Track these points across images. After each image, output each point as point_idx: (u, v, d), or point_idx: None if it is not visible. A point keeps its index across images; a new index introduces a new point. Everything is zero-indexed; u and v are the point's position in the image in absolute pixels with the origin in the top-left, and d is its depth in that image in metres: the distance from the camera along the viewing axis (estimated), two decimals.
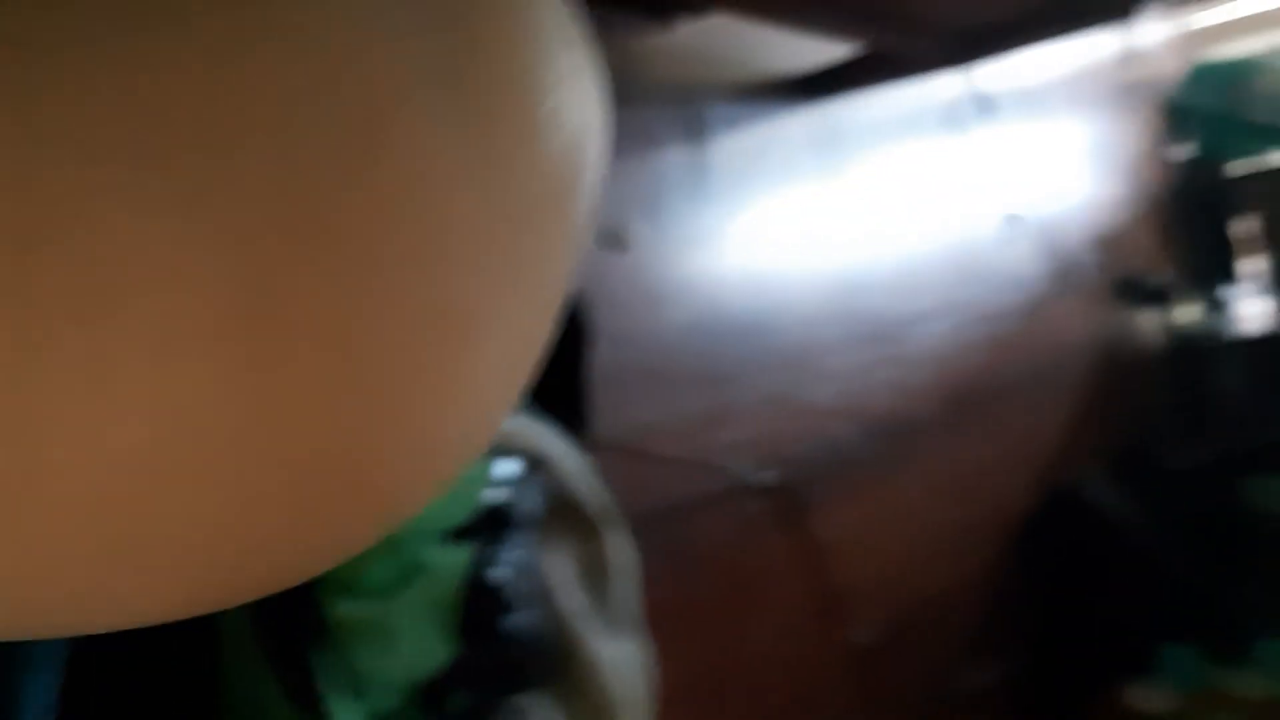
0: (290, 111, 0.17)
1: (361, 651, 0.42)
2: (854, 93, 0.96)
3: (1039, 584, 1.17)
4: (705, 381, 0.78)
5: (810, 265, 0.90)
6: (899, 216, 1.03)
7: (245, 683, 0.41)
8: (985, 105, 1.15)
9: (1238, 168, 1.73)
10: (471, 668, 0.47)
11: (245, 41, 0.17)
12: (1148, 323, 1.53)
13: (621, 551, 0.60)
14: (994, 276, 1.15)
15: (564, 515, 0.58)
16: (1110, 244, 1.43)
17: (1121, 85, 1.53)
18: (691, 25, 0.76)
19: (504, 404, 0.23)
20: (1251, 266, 1.73)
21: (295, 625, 0.40)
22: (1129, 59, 1.49)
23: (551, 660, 0.53)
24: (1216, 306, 1.66)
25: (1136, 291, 1.49)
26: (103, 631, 0.20)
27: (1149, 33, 1.55)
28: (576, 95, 0.22)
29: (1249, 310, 1.67)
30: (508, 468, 0.52)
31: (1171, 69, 1.67)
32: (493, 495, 0.50)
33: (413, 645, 0.44)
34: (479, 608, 0.47)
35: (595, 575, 0.59)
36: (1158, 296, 1.54)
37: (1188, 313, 1.60)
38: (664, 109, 0.78)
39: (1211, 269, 1.72)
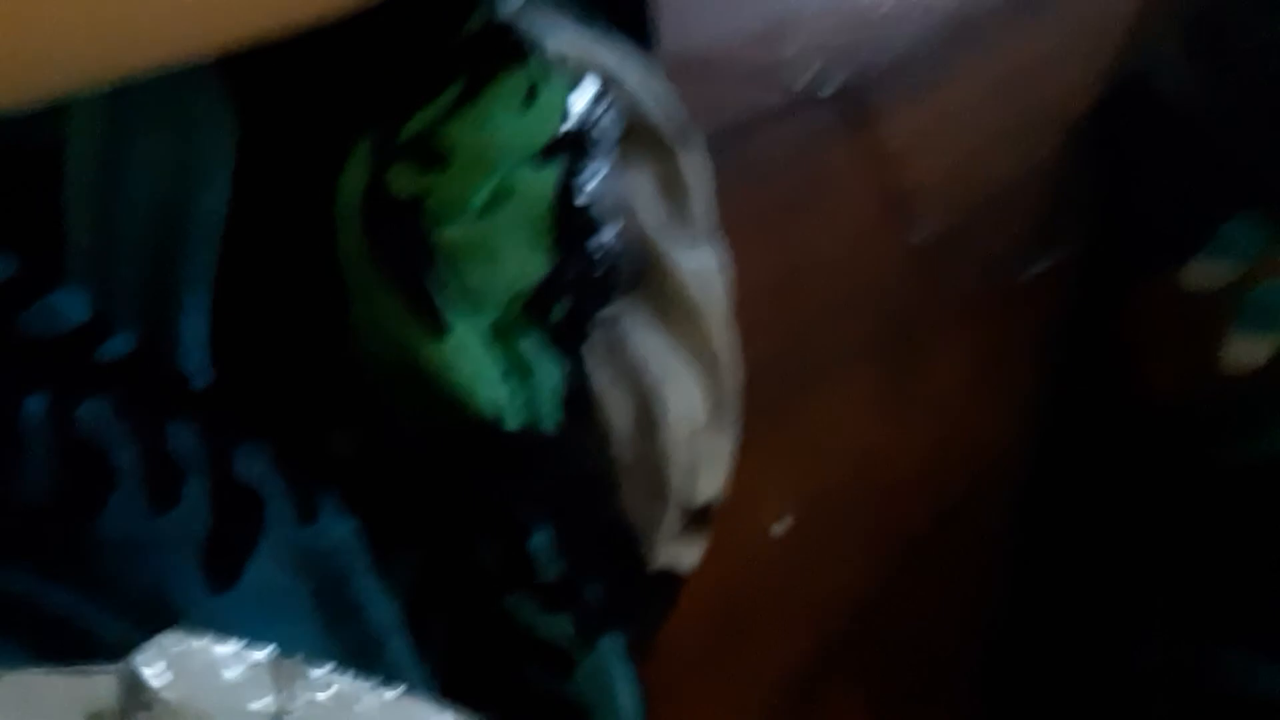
0: None
1: (468, 269, 0.47)
2: None
3: (1102, 174, 1.17)
4: None
5: None
6: None
7: (368, 304, 0.45)
8: None
9: None
10: (567, 279, 0.52)
11: None
12: None
13: (695, 168, 0.63)
14: None
15: (640, 136, 0.60)
16: None
17: None
18: None
19: None
20: None
21: (408, 248, 0.45)
22: None
23: (638, 270, 0.58)
24: None
25: None
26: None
27: None
28: None
29: None
30: (584, 91, 0.54)
31: None
32: (572, 118, 0.53)
33: (513, 260, 0.48)
34: (569, 224, 0.51)
35: (672, 191, 0.63)
36: None
37: None
38: None
39: None
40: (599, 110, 0.55)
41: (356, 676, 0.35)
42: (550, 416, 0.49)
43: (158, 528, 0.34)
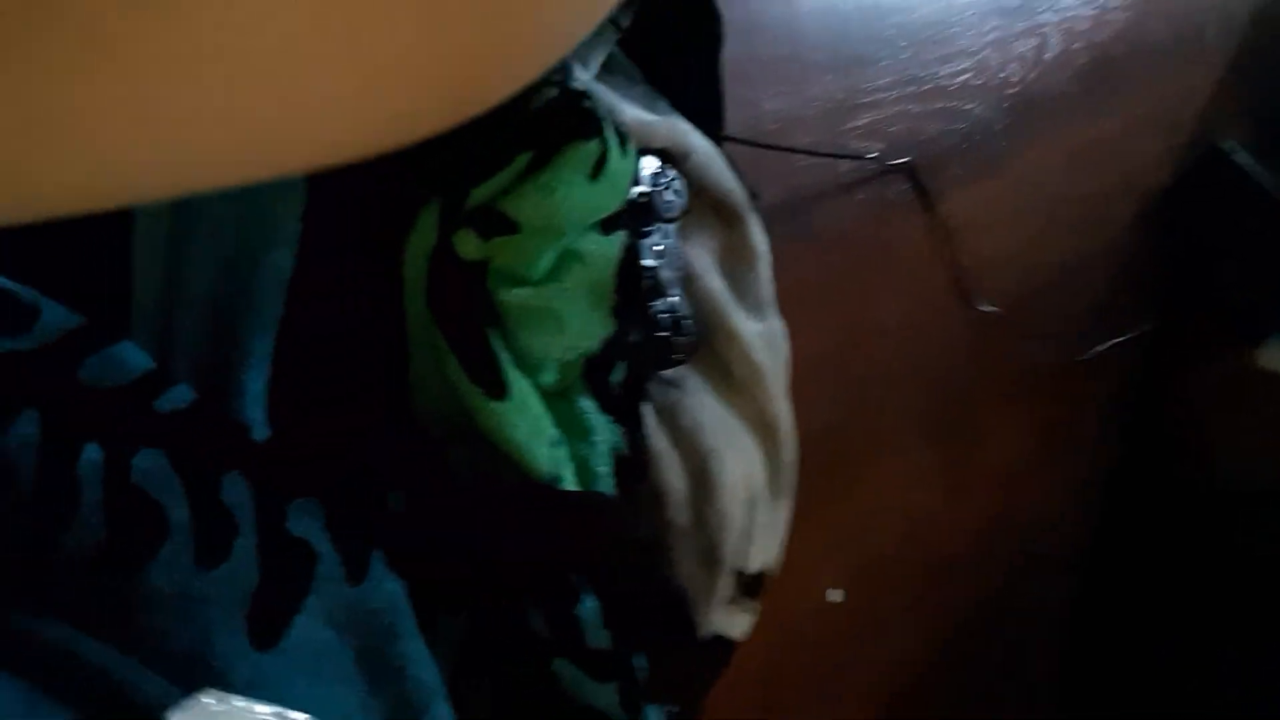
0: None
1: (530, 332, 0.47)
2: None
3: (1172, 253, 1.16)
4: (837, 68, 0.78)
5: None
6: None
7: (429, 363, 0.46)
8: None
9: None
10: (628, 343, 0.52)
11: None
12: None
13: (758, 238, 0.63)
14: None
15: (705, 205, 0.61)
16: None
17: None
18: None
19: None
20: None
21: (472, 309, 0.45)
22: None
23: (698, 336, 0.57)
24: None
25: None
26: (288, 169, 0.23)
27: None
28: None
29: None
30: (652, 162, 0.54)
31: None
32: (639, 188, 0.53)
33: (576, 324, 0.48)
34: (632, 289, 0.51)
35: (735, 261, 0.63)
36: None
37: None
38: None
39: None
40: (665, 180, 0.56)
41: None
42: (607, 478, 0.49)
43: (206, 582, 0.34)
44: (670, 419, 0.57)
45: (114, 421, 0.34)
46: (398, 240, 0.43)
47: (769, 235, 0.63)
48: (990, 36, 0.91)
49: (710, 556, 0.58)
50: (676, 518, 0.56)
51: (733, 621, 0.63)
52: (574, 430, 0.49)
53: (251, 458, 0.37)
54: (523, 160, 0.43)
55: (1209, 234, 1.18)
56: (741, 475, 0.59)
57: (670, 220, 0.56)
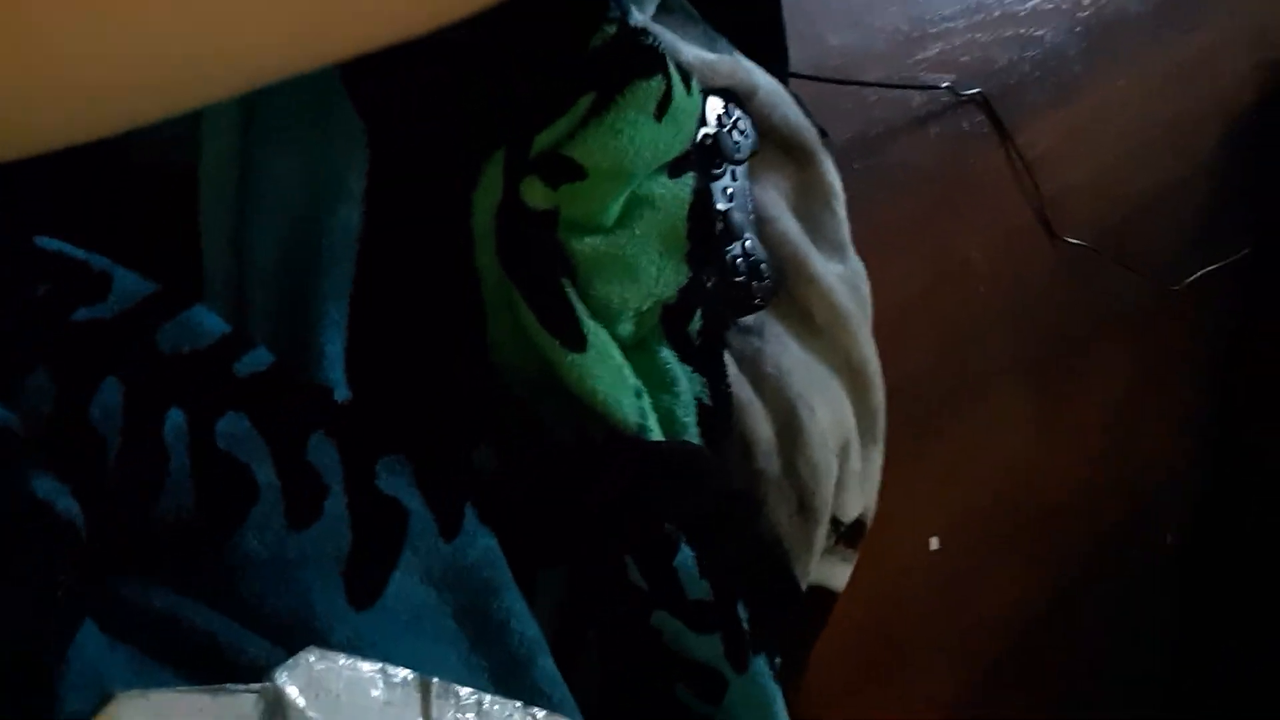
0: None
1: (605, 281, 0.46)
2: None
3: (1265, 174, 1.12)
4: None
5: None
6: None
7: (506, 319, 0.45)
8: None
9: None
10: (705, 290, 0.51)
11: None
12: None
13: (832, 177, 0.61)
14: None
15: (774, 145, 0.59)
16: None
17: None
18: None
19: None
20: None
21: (545, 261, 0.44)
22: None
23: (776, 281, 0.56)
24: None
25: None
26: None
27: None
28: None
29: None
30: (717, 102, 0.53)
31: None
32: (706, 129, 0.52)
33: (650, 271, 0.47)
34: (705, 235, 0.50)
35: (809, 201, 0.61)
36: None
37: None
38: None
39: None
40: (733, 119, 0.54)
41: (504, 696, 0.34)
42: (692, 429, 0.48)
43: (299, 543, 0.34)
44: (753, 367, 0.56)
45: (195, 387, 0.34)
46: (465, 194, 0.43)
47: (842, 174, 0.61)
48: None
49: (805, 506, 0.57)
50: (767, 467, 0.55)
51: (833, 572, 0.62)
52: (656, 381, 0.48)
53: (335, 418, 0.36)
54: (585, 102, 0.42)
55: None
56: (831, 422, 0.58)
57: (740, 161, 0.54)
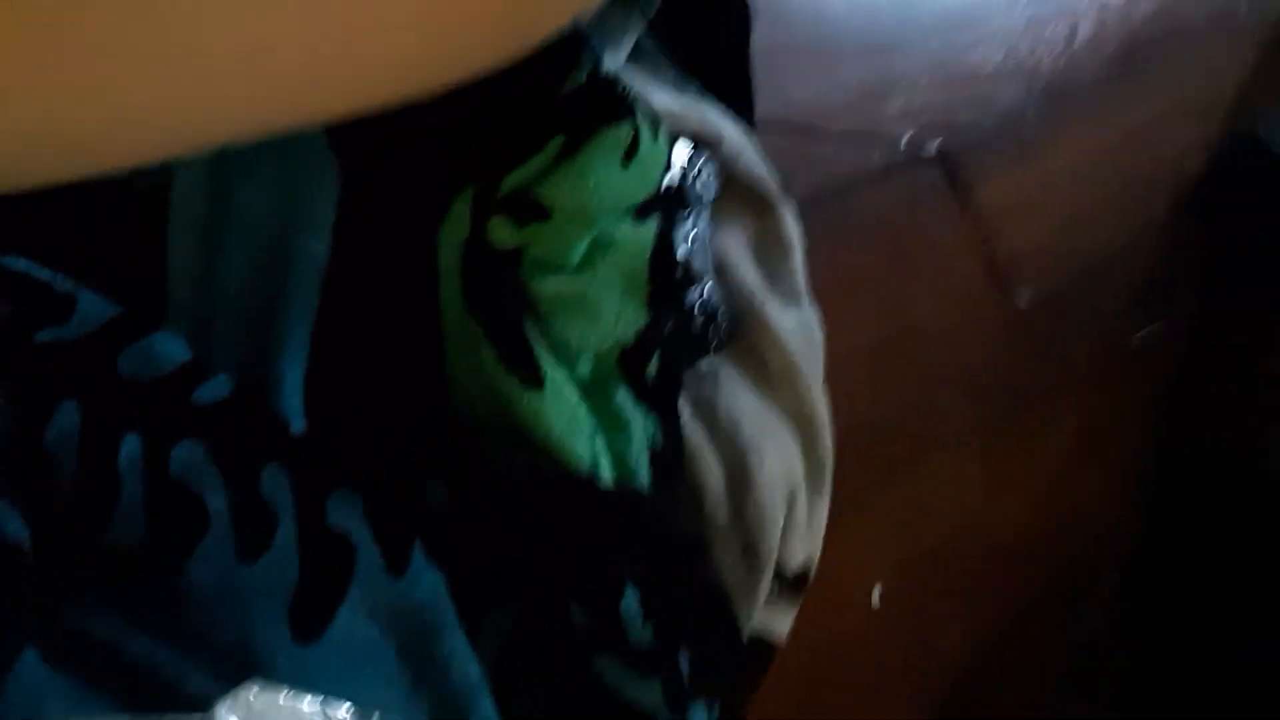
0: None
1: (565, 321, 0.46)
2: None
3: (1212, 238, 1.14)
4: (868, 52, 0.77)
5: None
6: None
7: (465, 355, 0.45)
8: None
9: None
10: (662, 333, 0.51)
11: None
12: None
13: (791, 227, 0.62)
14: None
15: (735, 194, 0.60)
16: None
17: None
18: None
19: None
20: None
21: (507, 298, 0.44)
22: None
23: (732, 327, 0.57)
24: None
25: None
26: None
27: None
28: None
29: None
30: (682, 149, 0.54)
31: None
32: (670, 175, 0.53)
33: (610, 313, 0.48)
34: (666, 280, 0.51)
35: (767, 250, 0.62)
36: None
37: None
38: None
39: None
40: (697, 166, 0.55)
41: None
42: (643, 472, 0.48)
43: (247, 575, 0.34)
44: (706, 413, 0.56)
45: (153, 413, 0.34)
46: (431, 230, 0.43)
47: (801, 225, 0.62)
48: (1021, 21, 0.90)
49: (751, 553, 0.57)
50: (715, 514, 0.55)
51: (775, 620, 0.62)
52: (610, 423, 0.49)
53: (290, 449, 0.37)
54: (555, 145, 0.43)
55: (1247, 219, 1.16)
56: (780, 470, 0.58)
57: (702, 208, 0.55)
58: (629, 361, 0.50)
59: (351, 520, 0.37)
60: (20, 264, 0.34)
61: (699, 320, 0.56)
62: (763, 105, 0.63)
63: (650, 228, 0.49)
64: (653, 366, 0.51)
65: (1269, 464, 1.17)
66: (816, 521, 0.63)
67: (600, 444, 0.47)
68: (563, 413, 0.45)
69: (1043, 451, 0.97)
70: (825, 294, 0.63)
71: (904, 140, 0.80)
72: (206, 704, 0.28)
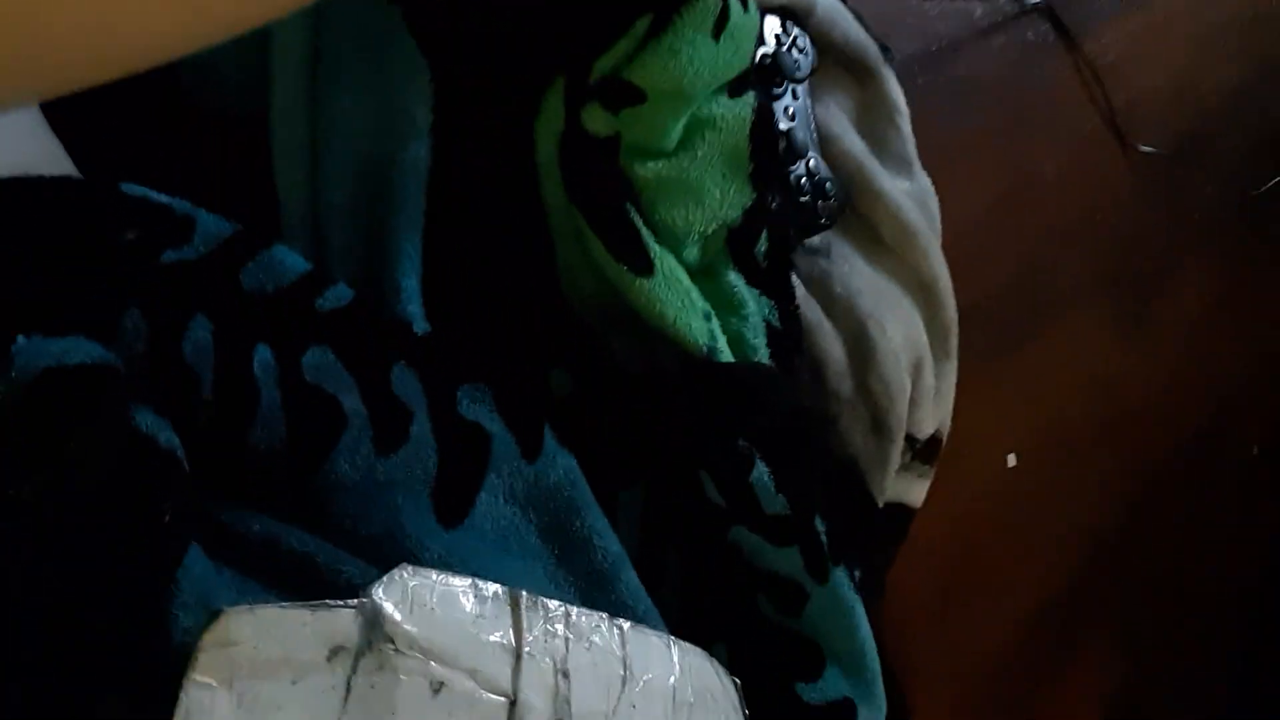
0: None
1: (669, 205, 0.46)
2: None
3: None
4: None
5: None
6: None
7: (574, 247, 0.46)
8: None
9: None
10: (770, 211, 0.51)
11: None
12: None
13: (896, 93, 0.61)
14: None
15: (835, 63, 0.59)
16: None
17: None
18: None
19: None
20: None
21: (609, 187, 0.44)
22: None
23: (842, 200, 0.56)
24: None
25: None
26: None
27: None
28: None
29: None
30: (776, 20, 0.53)
31: None
32: (765, 48, 0.52)
33: (714, 193, 0.47)
34: (768, 156, 0.50)
35: (873, 118, 0.61)
36: None
37: None
38: None
39: None
40: (792, 37, 0.54)
41: (589, 609, 0.35)
42: (762, 350, 0.48)
43: (387, 467, 0.35)
44: (822, 288, 0.56)
45: (280, 323, 0.35)
46: (527, 125, 0.43)
47: (905, 90, 0.61)
48: None
49: (879, 424, 0.57)
50: (839, 387, 0.55)
51: (910, 488, 0.62)
52: (724, 304, 0.49)
53: (415, 349, 0.38)
54: (643, 24, 0.42)
55: None
56: (902, 340, 0.58)
57: (800, 80, 0.54)
58: (737, 242, 0.50)
59: (482, 410, 0.38)
60: (140, 190, 0.35)
61: (807, 195, 0.55)
62: None
63: (748, 103, 0.49)
64: (762, 245, 0.50)
65: None
66: (945, 389, 0.62)
67: (716, 325, 0.47)
68: (676, 296, 0.45)
69: (1175, 307, 0.94)
70: (938, 158, 0.61)
71: None
72: (362, 589, 0.30)
